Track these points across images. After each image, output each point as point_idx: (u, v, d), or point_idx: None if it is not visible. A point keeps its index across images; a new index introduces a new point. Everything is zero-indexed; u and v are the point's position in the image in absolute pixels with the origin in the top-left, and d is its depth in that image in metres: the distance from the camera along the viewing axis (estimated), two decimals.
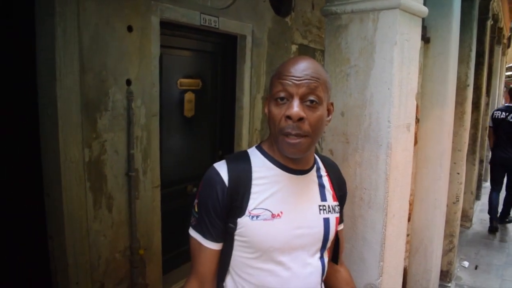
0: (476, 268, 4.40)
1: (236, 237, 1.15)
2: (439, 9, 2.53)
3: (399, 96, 1.62)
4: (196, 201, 1.19)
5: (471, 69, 3.47)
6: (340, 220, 1.33)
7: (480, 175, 6.57)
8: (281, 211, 1.14)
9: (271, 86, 1.15)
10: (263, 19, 3.97)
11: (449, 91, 2.65)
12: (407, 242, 2.48)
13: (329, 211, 1.23)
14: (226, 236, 1.16)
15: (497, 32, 7.20)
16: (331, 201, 1.25)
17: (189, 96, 3.48)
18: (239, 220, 1.13)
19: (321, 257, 1.24)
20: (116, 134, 2.57)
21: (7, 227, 2.26)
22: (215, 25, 3.39)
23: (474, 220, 5.86)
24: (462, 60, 3.33)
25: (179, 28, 3.22)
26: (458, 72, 3.29)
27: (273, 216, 1.13)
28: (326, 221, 1.22)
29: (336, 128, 1.70)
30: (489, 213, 5.66)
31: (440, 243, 3.01)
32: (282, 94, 1.10)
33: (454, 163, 3.46)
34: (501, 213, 5.84)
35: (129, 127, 2.63)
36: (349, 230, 1.73)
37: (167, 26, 3.01)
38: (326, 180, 1.27)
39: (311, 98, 1.09)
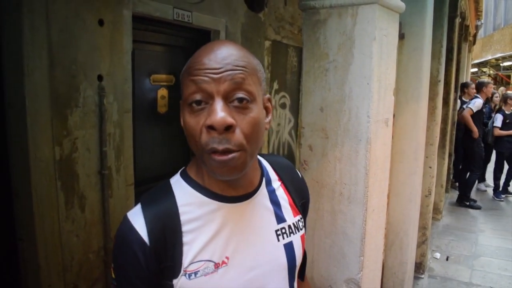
0: (447, 259, 4.52)
1: None
2: (413, 5, 2.55)
3: (378, 91, 1.62)
4: (112, 265, 0.91)
5: (442, 65, 3.54)
6: (305, 228, 1.07)
7: (449, 168, 6.75)
8: (226, 256, 0.88)
9: (182, 87, 0.86)
10: (236, 14, 3.93)
11: (423, 86, 2.69)
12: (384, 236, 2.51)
13: (291, 232, 0.98)
14: None
15: (464, 29, 7.39)
16: (291, 219, 1.00)
17: (162, 92, 3.41)
18: (174, 281, 0.86)
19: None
20: (87, 131, 2.49)
21: None
22: (189, 20, 3.33)
23: (444, 212, 6.02)
24: (434, 56, 3.38)
25: (151, 23, 3.15)
26: (430, 68, 3.35)
27: (216, 266, 0.87)
28: (289, 246, 0.97)
29: (315, 124, 1.69)
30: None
31: (415, 236, 3.07)
32: (197, 97, 0.81)
33: (426, 157, 3.52)
34: (460, 193, 6.63)
35: (101, 124, 2.55)
36: (329, 226, 1.73)
37: (139, 21, 2.94)
38: (281, 193, 1.01)
39: (240, 95, 0.81)
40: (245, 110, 0.82)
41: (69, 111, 2.38)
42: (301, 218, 1.03)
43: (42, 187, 2.27)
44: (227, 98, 0.81)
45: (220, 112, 0.78)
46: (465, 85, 6.78)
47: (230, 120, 0.79)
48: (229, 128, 0.79)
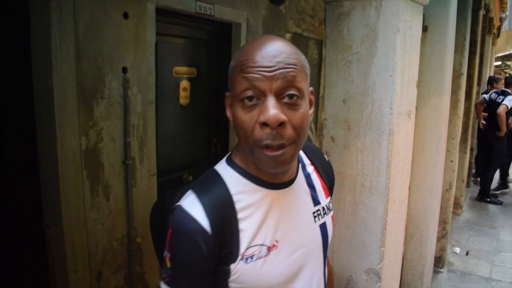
0: (467, 254, 4.49)
1: (231, 284, 0.93)
2: None
3: (401, 84, 1.63)
4: (167, 254, 0.92)
5: (465, 58, 3.49)
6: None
7: (470, 163, 6.66)
8: (276, 240, 0.94)
9: (233, 82, 0.88)
10: (257, 7, 3.95)
11: (446, 79, 2.67)
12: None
13: (324, 213, 1.05)
14: (215, 284, 0.93)
15: (488, 22, 7.25)
16: (324, 201, 1.07)
17: (184, 84, 3.45)
18: (232, 266, 0.91)
19: (325, 268, 1.09)
20: (112, 122, 2.55)
21: (4, 219, 2.24)
22: (211, 13, 3.36)
23: (464, 207, 5.96)
24: (457, 49, 3.35)
25: (174, 15, 3.19)
26: (453, 61, 3.31)
27: (269, 249, 0.93)
28: (323, 227, 1.05)
29: (337, 115, 1.71)
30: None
31: (435, 230, 3.06)
32: (250, 93, 0.84)
33: (448, 151, 3.49)
34: (480, 189, 6.55)
35: (125, 115, 2.61)
36: (350, 217, 1.75)
37: (162, 13, 2.98)
38: (315, 177, 1.07)
39: (290, 92, 0.84)
40: (295, 106, 0.85)
41: (95, 102, 2.44)
42: (330, 200, 1.10)
43: (68, 176, 2.34)
44: (278, 95, 0.84)
45: (273, 109, 0.81)
46: (494, 79, 6.51)
47: (283, 117, 0.82)
48: (281, 124, 0.82)
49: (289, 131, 0.84)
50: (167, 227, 0.93)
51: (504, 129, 5.92)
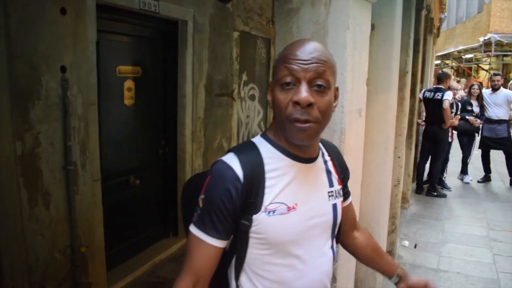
0: (415, 246, 4.61)
1: (251, 235, 1.09)
2: None
3: (352, 81, 1.60)
4: (202, 196, 1.10)
5: (410, 57, 3.57)
6: (347, 195, 1.36)
7: (415, 158, 6.89)
8: (296, 203, 1.11)
9: (276, 71, 1.09)
10: (204, 4, 3.86)
11: (393, 77, 2.70)
12: None
13: (336, 196, 1.22)
14: (236, 233, 1.10)
15: (429, 22, 7.52)
16: (337, 186, 1.23)
17: (128, 84, 3.32)
18: (254, 217, 1.07)
19: (332, 246, 1.24)
20: (51, 125, 2.39)
21: None
22: (155, 9, 3.24)
23: (411, 201, 6.14)
24: (402, 47, 3.41)
25: (117, 12, 3.05)
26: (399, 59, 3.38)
27: (289, 209, 1.09)
28: (334, 207, 1.20)
29: None
30: (417, 178, 6.80)
31: (385, 225, 3.10)
32: (288, 79, 1.04)
33: (395, 147, 3.56)
34: (429, 184, 6.68)
35: (65, 117, 2.45)
36: None
37: (104, 10, 2.83)
38: (330, 165, 1.24)
39: (319, 82, 1.03)
40: (322, 93, 1.04)
41: (31, 104, 2.27)
42: (342, 188, 1.26)
43: (3, 184, 2.16)
44: (310, 83, 1.03)
45: (304, 93, 1.02)
46: (446, 76, 6.60)
47: (312, 99, 1.02)
48: (310, 105, 1.02)
49: (315, 112, 1.03)
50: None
51: (448, 122, 6.18)
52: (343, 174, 1.30)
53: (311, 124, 1.03)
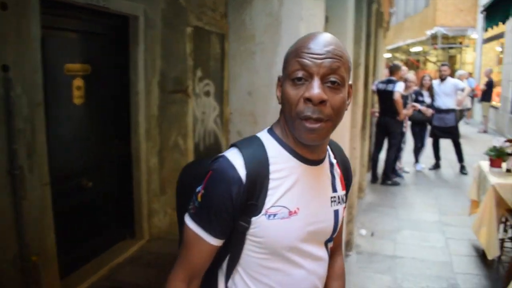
0: (372, 235, 4.72)
1: (248, 237, 1.05)
2: None
3: None
4: (201, 190, 1.04)
5: (362, 49, 3.63)
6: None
7: (369, 149, 7.05)
8: (298, 207, 1.05)
9: (286, 65, 1.03)
10: None
11: None
12: None
13: (339, 202, 1.16)
14: (232, 233, 1.06)
15: (379, 16, 7.70)
16: (340, 191, 1.18)
17: (78, 82, 3.18)
18: (253, 219, 1.02)
19: (327, 249, 1.19)
20: None
21: None
22: (104, 4, 3.12)
23: (366, 190, 6.29)
24: (356, 40, 3.46)
25: (63, 7, 2.91)
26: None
27: (290, 213, 1.04)
28: (336, 213, 1.15)
29: (243, 108, 1.63)
30: (372, 168, 6.96)
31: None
32: (300, 74, 0.98)
33: (351, 139, 3.61)
34: (382, 173, 6.87)
35: (8, 119, 2.31)
36: None
37: (49, 5, 2.69)
38: (336, 168, 1.18)
39: (333, 78, 0.97)
40: (336, 90, 0.98)
41: None
42: (345, 194, 1.20)
43: None
44: (323, 79, 0.97)
45: (317, 89, 0.96)
46: (397, 67, 6.71)
47: (324, 96, 0.96)
48: (322, 102, 0.96)
49: (328, 109, 0.97)
50: (200, 182, 1.05)
51: (402, 112, 6.35)
52: (348, 178, 1.24)
53: (322, 124, 0.98)
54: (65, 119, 3.10)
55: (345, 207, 1.21)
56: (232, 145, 1.08)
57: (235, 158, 1.03)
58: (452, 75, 8.77)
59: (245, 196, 1.01)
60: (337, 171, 1.18)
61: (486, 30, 5.34)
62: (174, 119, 4.20)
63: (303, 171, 1.07)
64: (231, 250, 1.08)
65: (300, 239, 1.07)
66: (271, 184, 1.03)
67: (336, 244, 1.30)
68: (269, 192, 1.03)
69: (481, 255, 4.05)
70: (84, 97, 3.24)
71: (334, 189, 1.15)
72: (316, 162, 1.10)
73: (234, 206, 1.01)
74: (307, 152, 1.07)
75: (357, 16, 3.44)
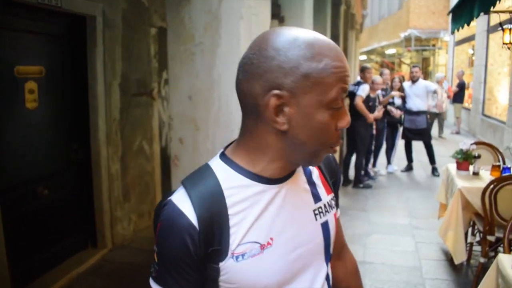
0: None
1: (221, 284, 0.89)
2: None
3: None
4: (155, 249, 0.90)
5: None
6: (337, 206, 1.09)
7: (341, 152, 7.02)
8: (271, 238, 0.90)
9: (322, 86, 0.82)
10: None
11: None
12: None
13: (326, 211, 1.01)
14: (206, 284, 0.89)
15: (350, 18, 7.70)
16: (325, 197, 1.02)
17: (30, 85, 3.03)
18: (221, 265, 0.87)
19: (327, 274, 1.03)
20: None
21: None
22: (57, 3, 2.98)
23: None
24: None
25: (12, 7, 2.76)
26: None
27: (262, 247, 0.89)
28: (325, 225, 1.00)
29: (184, 114, 1.53)
30: (343, 171, 6.87)
31: None
32: (340, 103, 0.83)
33: None
34: (354, 176, 6.83)
35: None
36: None
37: None
38: (315, 173, 1.04)
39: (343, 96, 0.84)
40: None
41: None
42: (333, 197, 1.06)
43: None
44: None
45: (348, 115, 0.86)
46: (364, 69, 6.64)
47: None
48: None
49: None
50: (156, 222, 0.92)
51: (368, 115, 6.32)
52: (333, 177, 1.09)
53: None
54: (17, 124, 2.94)
55: (336, 213, 1.06)
56: (182, 183, 0.92)
57: (182, 201, 0.87)
58: (425, 77, 8.84)
59: (204, 243, 0.86)
60: (317, 175, 1.04)
61: (452, 32, 5.36)
62: (138, 122, 4.07)
63: (271, 194, 0.91)
64: None
65: (284, 271, 0.92)
66: (232, 221, 0.87)
67: (342, 245, 1.21)
68: (231, 231, 0.87)
69: (450, 259, 4.02)
70: (38, 101, 3.09)
71: (317, 199, 1.00)
72: (286, 177, 0.94)
73: (195, 257, 0.86)
74: (279, 171, 0.92)
75: (319, 16, 3.38)
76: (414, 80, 7.35)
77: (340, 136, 0.88)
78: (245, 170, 0.90)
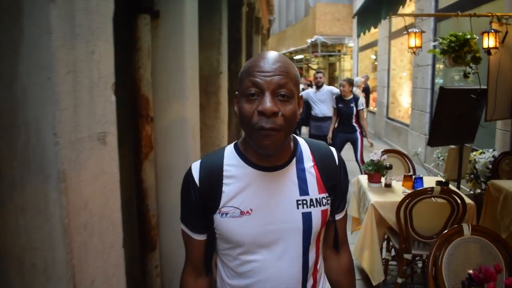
0: None
1: (215, 231, 1.19)
2: None
3: (74, 90, 0.95)
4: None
5: (222, 55, 3.06)
6: (340, 209, 1.34)
7: None
8: (250, 208, 1.16)
9: (241, 83, 1.14)
10: None
11: (187, 79, 2.09)
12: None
13: (312, 205, 1.22)
14: (210, 227, 1.20)
15: (255, 21, 7.33)
16: (315, 194, 1.23)
17: None
18: (214, 216, 1.17)
19: (305, 253, 1.23)
20: None
21: None
22: None
23: None
24: (212, 44, 2.91)
25: None
26: (208, 58, 2.87)
27: (242, 213, 1.16)
28: (307, 215, 1.20)
29: None
30: None
31: None
32: (252, 90, 1.09)
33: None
34: None
35: None
36: None
37: None
38: (311, 172, 1.25)
39: (283, 92, 1.08)
40: (286, 102, 1.10)
41: None
42: (327, 197, 1.24)
43: None
44: (274, 93, 1.09)
45: (268, 103, 1.07)
46: None
47: (275, 108, 1.08)
48: (274, 114, 1.08)
49: (280, 120, 1.08)
50: None
51: None
52: (332, 182, 1.27)
53: (276, 133, 1.07)
54: None
55: (326, 210, 1.24)
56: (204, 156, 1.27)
57: (195, 165, 1.21)
58: (332, 82, 8.78)
59: (201, 197, 1.18)
60: (313, 175, 1.24)
61: (358, 35, 5.19)
62: None
63: (258, 177, 1.18)
64: (210, 240, 1.23)
65: (257, 236, 1.17)
66: (224, 188, 1.17)
67: (342, 241, 1.39)
68: (222, 195, 1.17)
69: (366, 277, 3.74)
70: None
71: (304, 193, 1.21)
72: (274, 168, 1.19)
73: (196, 204, 1.19)
74: (264, 161, 1.18)
75: (214, 17, 2.90)
76: (318, 86, 7.19)
77: (269, 122, 1.05)
78: (243, 155, 1.20)
